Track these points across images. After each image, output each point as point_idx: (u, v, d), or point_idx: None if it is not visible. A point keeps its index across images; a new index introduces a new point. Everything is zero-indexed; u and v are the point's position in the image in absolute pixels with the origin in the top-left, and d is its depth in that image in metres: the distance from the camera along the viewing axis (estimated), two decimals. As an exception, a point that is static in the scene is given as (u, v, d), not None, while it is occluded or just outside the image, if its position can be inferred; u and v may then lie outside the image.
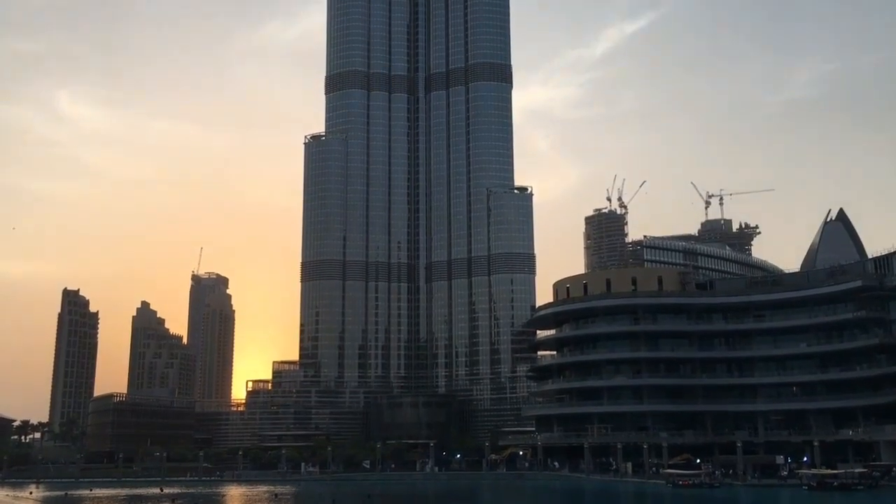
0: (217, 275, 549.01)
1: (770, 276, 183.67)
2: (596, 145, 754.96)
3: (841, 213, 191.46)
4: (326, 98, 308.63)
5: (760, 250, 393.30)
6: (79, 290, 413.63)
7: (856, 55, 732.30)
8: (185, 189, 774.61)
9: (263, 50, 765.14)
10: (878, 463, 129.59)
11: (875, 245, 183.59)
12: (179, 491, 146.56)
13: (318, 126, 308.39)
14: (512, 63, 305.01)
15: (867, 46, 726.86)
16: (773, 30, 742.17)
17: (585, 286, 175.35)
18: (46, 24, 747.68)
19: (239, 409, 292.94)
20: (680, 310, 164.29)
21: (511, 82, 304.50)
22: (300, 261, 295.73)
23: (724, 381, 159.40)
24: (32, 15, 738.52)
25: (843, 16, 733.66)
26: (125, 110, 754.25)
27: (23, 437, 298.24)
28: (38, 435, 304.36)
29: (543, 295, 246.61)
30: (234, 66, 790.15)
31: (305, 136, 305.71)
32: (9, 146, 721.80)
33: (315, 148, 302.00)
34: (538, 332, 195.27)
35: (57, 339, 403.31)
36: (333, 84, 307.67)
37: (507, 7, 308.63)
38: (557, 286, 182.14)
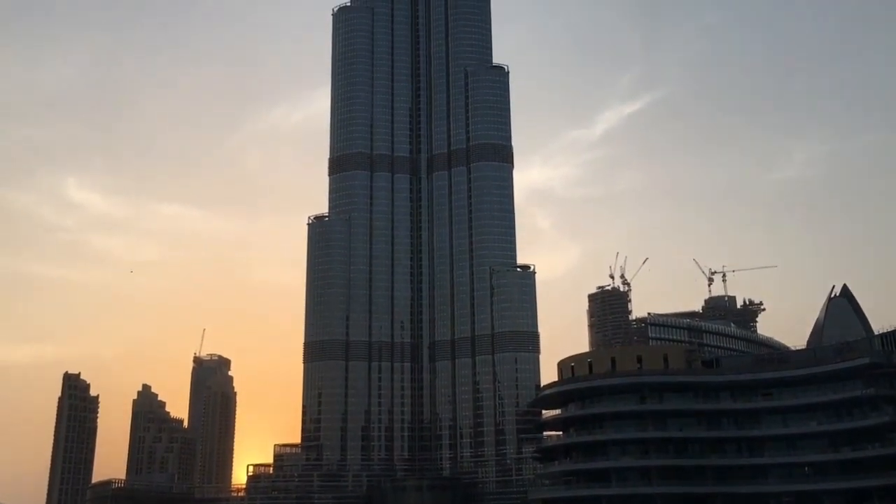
0: (219, 356, 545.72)
1: (777, 354, 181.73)
2: (597, 223, 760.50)
3: (845, 288, 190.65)
4: (330, 179, 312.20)
5: (765, 327, 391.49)
6: (80, 373, 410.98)
7: (850, 136, 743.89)
8: (189, 271, 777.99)
9: (268, 134, 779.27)
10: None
11: (880, 321, 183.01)
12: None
13: (322, 207, 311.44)
14: (513, 144, 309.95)
15: (861, 127, 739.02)
16: (769, 111, 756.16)
17: (590, 364, 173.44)
18: (56, 112, 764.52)
19: (239, 494, 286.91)
20: (687, 388, 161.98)
21: (512, 162, 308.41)
22: (303, 341, 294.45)
23: (734, 461, 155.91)
24: (42, 104, 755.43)
25: (837, 97, 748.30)
26: (131, 195, 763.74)
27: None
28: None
29: (548, 374, 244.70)
30: (239, 151, 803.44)
31: (309, 217, 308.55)
32: (17, 232, 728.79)
33: (318, 228, 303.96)
34: (543, 411, 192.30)
35: (56, 424, 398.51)
36: (337, 166, 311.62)
37: (507, 89, 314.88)
38: (562, 365, 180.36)
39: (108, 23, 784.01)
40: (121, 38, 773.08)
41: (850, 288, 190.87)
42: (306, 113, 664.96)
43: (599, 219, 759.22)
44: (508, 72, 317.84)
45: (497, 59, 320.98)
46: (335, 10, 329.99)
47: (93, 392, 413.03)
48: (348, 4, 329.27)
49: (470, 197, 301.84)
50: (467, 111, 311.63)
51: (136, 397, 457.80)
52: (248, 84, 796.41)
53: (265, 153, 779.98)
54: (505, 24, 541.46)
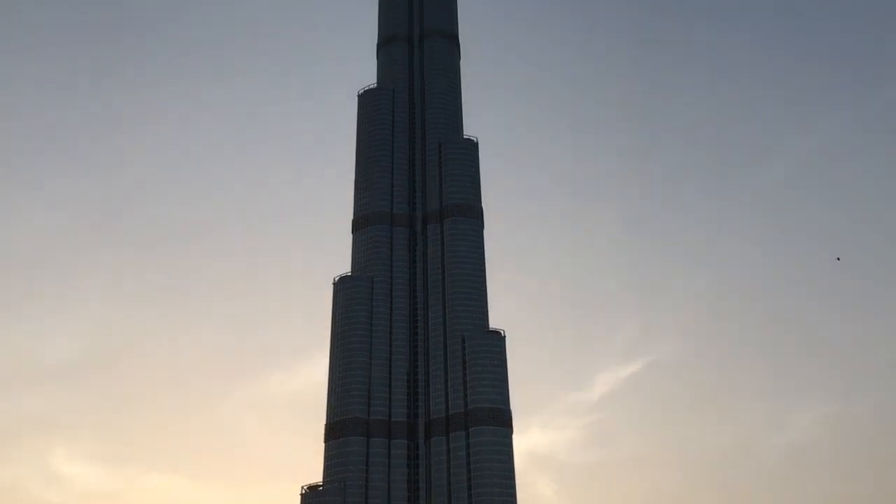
0: None
1: None
2: (601, 489, 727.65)
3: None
4: (326, 446, 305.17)
5: None
6: None
7: (854, 396, 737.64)
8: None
9: (262, 403, 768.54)
10: None
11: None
12: None
13: (316, 476, 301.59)
14: (511, 407, 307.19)
15: (865, 387, 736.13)
16: (769, 372, 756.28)
17: None
18: (51, 382, 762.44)
19: None
20: None
21: (511, 426, 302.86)
22: None
23: None
24: (41, 374, 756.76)
25: (838, 357, 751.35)
26: (119, 465, 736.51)
27: None
28: None
29: None
30: (231, 419, 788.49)
31: (302, 487, 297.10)
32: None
33: (312, 499, 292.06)
34: None
35: None
36: (333, 432, 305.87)
37: (504, 353, 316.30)
38: None
39: (106, 292, 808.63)
40: (118, 304, 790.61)
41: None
42: (303, 380, 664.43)
43: (603, 484, 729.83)
44: (505, 336, 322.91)
45: (493, 323, 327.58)
46: (336, 279, 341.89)
47: None
48: (349, 274, 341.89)
49: (469, 462, 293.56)
50: (465, 376, 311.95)
51: None
52: (242, 352, 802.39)
53: (258, 421, 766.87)
54: (501, 290, 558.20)
